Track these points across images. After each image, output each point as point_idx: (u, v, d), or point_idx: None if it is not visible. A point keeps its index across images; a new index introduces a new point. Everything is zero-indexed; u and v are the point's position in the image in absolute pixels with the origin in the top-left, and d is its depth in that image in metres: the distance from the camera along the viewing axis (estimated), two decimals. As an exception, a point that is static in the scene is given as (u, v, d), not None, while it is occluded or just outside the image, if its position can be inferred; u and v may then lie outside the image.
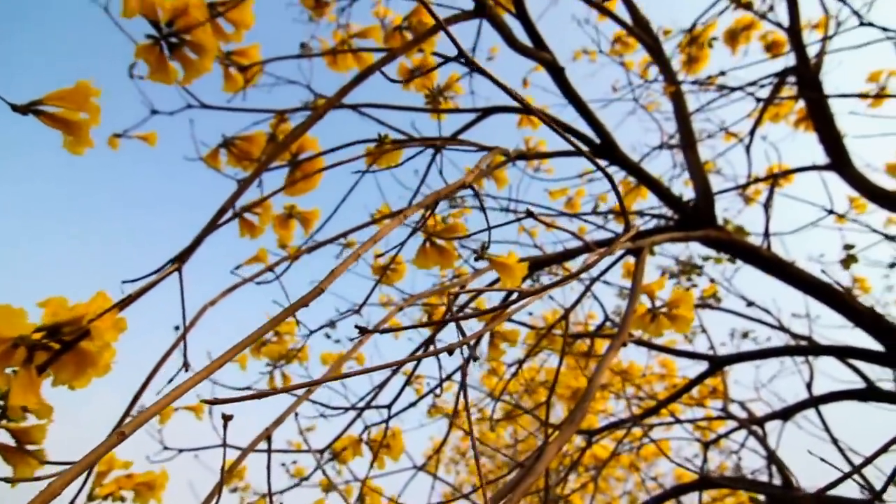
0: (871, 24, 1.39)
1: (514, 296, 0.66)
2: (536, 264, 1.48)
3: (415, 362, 1.53)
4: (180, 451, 1.22)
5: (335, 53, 1.37)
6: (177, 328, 1.06)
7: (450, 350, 0.50)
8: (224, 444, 0.68)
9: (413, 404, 1.32)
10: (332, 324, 1.41)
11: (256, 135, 1.46)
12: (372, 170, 0.94)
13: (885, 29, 1.38)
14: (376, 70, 1.00)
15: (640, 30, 1.82)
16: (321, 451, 1.16)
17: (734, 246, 1.49)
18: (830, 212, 1.65)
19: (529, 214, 0.89)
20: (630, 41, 2.56)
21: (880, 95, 1.71)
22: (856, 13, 1.49)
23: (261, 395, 0.41)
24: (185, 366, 0.64)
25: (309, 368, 1.60)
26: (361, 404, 1.24)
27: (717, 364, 1.84)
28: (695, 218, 1.50)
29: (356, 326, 0.57)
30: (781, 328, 1.98)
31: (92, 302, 0.58)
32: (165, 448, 1.21)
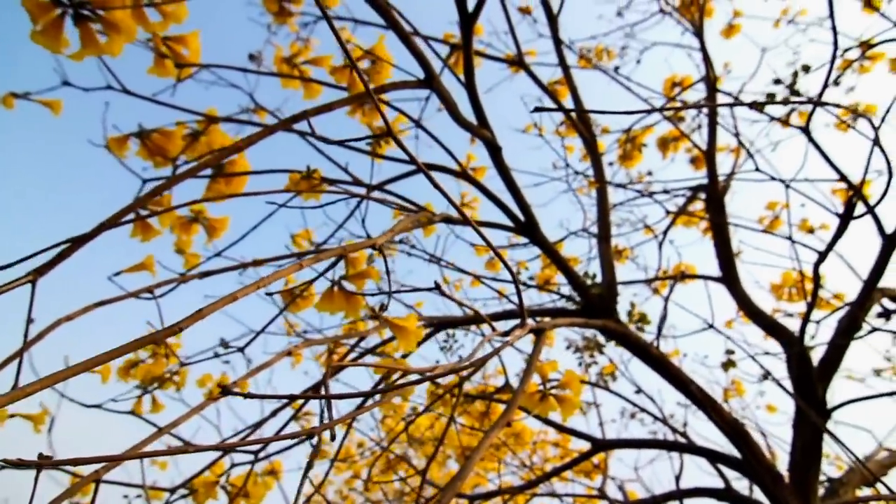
0: (765, 173, 1.59)
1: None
2: (444, 324, 1.49)
3: (303, 401, 1.46)
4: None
5: (282, 77, 1.35)
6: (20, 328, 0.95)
7: (310, 434, 0.48)
8: (40, 463, 0.61)
9: (284, 450, 1.26)
10: (215, 355, 1.32)
11: (176, 132, 1.39)
12: (290, 206, 0.91)
13: (780, 179, 1.58)
14: (330, 110, 0.99)
15: (582, 123, 1.96)
16: (171, 490, 1.06)
17: (628, 340, 1.59)
18: (711, 326, 1.81)
19: (436, 288, 0.91)
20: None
21: (767, 231, 1.94)
22: (749, 156, 1.70)
23: (76, 462, 0.37)
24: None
25: (185, 393, 1.48)
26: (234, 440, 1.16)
27: (600, 447, 1.92)
28: (599, 307, 1.59)
29: (219, 385, 0.55)
30: (662, 420, 2.11)
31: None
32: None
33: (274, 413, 1.31)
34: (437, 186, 0.62)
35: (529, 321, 1.35)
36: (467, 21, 1.02)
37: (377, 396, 0.93)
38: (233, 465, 1.45)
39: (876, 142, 1.05)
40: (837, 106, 0.80)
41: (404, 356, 1.28)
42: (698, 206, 2.96)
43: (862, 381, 3.35)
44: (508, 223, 1.46)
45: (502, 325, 1.81)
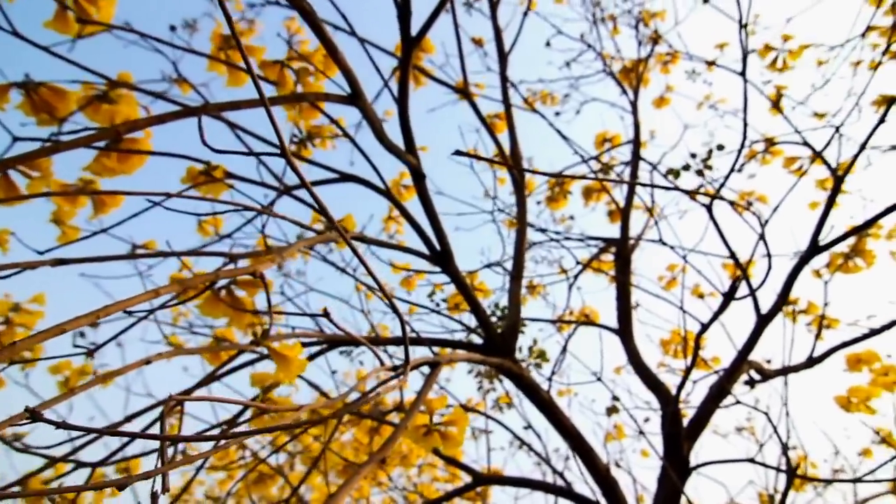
0: (666, 244, 1.71)
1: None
2: (337, 342, 1.44)
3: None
4: None
5: (208, 57, 1.25)
6: None
7: (147, 476, 0.42)
8: None
9: (146, 454, 1.13)
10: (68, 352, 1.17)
11: (73, 92, 1.24)
12: (166, 205, 0.83)
13: (679, 249, 1.70)
14: (262, 106, 0.91)
15: (514, 161, 2.00)
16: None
17: (521, 380, 1.62)
18: (598, 379, 1.90)
19: (325, 315, 0.86)
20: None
21: (662, 293, 2.07)
22: (655, 223, 1.81)
23: None
24: None
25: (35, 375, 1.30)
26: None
27: (480, 481, 1.93)
28: (500, 345, 1.61)
29: (26, 409, 0.47)
30: (545, 460, 2.18)
31: None
32: None
33: (129, 418, 1.18)
34: (322, 208, 0.58)
35: (432, 356, 1.33)
36: (409, 44, 0.99)
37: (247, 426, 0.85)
38: (77, 467, 1.29)
39: (762, 236, 1.15)
40: (731, 203, 0.85)
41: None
42: (609, 256, 3.14)
43: (725, 436, 3.68)
44: (424, 250, 1.44)
45: (399, 349, 1.77)
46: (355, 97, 0.90)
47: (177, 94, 1.78)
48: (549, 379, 1.67)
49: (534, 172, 0.66)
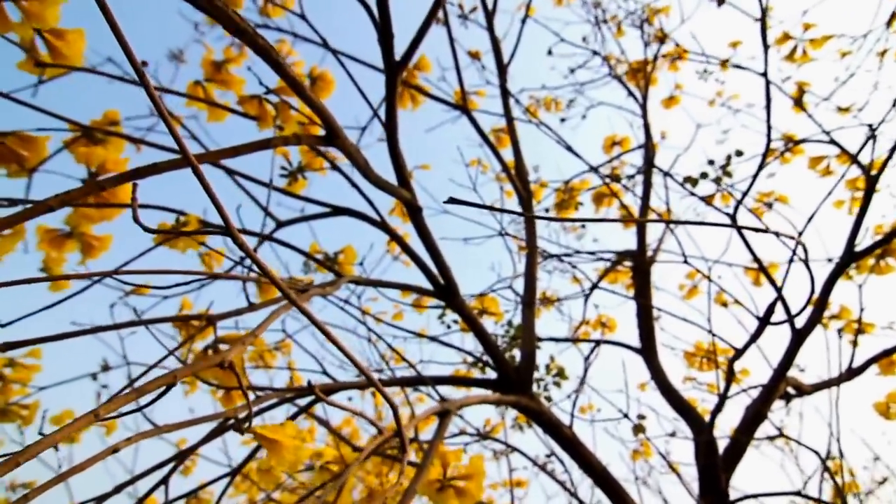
0: (688, 263, 1.58)
1: None
2: (332, 390, 1.33)
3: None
4: None
5: (187, 97, 1.15)
6: None
7: None
8: None
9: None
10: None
11: (43, 139, 1.16)
12: (110, 284, 0.72)
13: (702, 266, 1.57)
14: (247, 153, 0.81)
15: (519, 179, 1.89)
16: None
17: (541, 417, 1.50)
18: (625, 415, 1.77)
19: (310, 390, 0.75)
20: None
21: (688, 320, 1.94)
22: (672, 231, 1.68)
23: None
24: None
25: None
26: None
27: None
28: (516, 381, 1.49)
29: None
30: (571, 493, 2.04)
31: None
32: None
33: (119, 488, 1.08)
34: (271, 278, 0.47)
35: (440, 404, 1.20)
36: (393, 70, 0.89)
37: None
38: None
39: (806, 261, 1.02)
40: (760, 230, 0.73)
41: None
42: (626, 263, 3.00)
43: (758, 447, 3.50)
44: (427, 285, 1.33)
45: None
46: (333, 137, 0.80)
47: (164, 129, 1.70)
48: (572, 415, 1.54)
49: (550, 218, 0.54)
